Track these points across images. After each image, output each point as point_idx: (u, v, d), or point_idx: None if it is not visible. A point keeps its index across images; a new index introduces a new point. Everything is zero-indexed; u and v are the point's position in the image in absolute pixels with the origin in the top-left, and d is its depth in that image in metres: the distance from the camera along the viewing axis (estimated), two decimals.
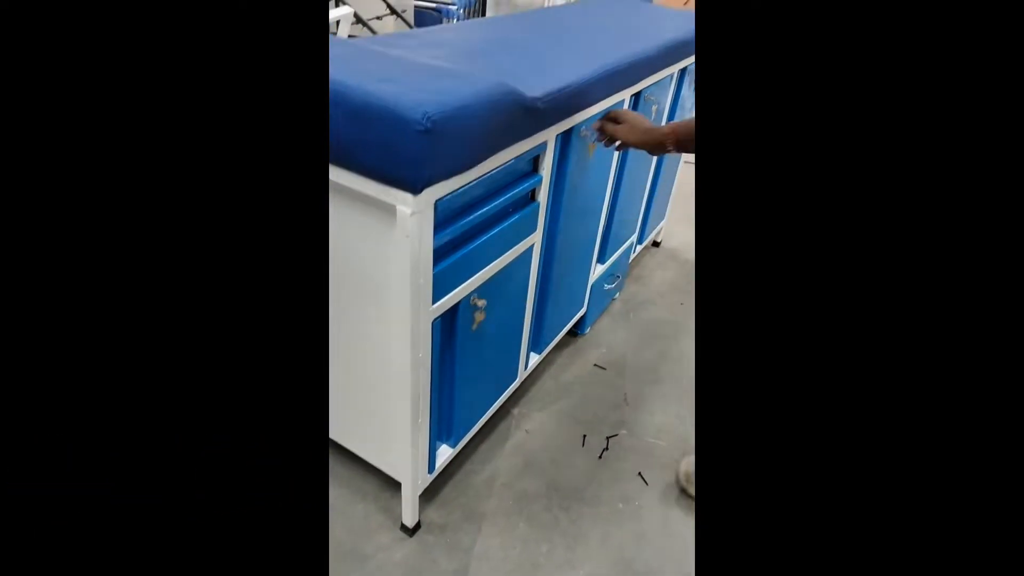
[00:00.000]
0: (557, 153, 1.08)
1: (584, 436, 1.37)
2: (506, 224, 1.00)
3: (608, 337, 1.71)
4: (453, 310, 0.95)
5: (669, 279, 2.01)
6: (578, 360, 1.61)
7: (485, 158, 0.85)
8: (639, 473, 1.29)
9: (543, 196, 1.09)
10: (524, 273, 1.15)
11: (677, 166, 1.98)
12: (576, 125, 1.09)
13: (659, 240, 2.19)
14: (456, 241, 0.89)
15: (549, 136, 1.01)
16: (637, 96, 1.34)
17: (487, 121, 0.80)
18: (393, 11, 3.29)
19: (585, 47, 1.24)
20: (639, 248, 1.94)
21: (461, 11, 4.62)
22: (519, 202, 1.04)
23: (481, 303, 0.98)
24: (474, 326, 1.01)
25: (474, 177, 0.86)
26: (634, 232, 1.79)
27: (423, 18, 4.47)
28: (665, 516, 1.21)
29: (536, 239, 1.13)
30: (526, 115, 0.89)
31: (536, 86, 0.93)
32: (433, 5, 4.47)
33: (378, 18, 3.31)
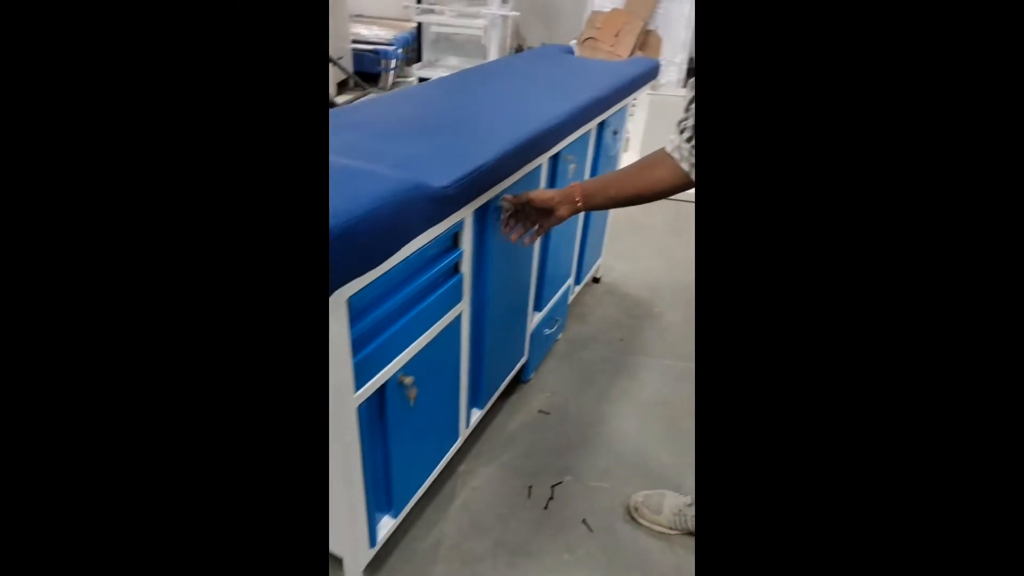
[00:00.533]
0: (476, 226, 1.13)
1: (530, 487, 1.40)
2: (429, 301, 1.03)
3: (552, 380, 1.75)
4: (380, 391, 0.97)
5: (609, 315, 2.08)
6: (523, 407, 1.65)
7: (397, 250, 0.89)
8: (583, 520, 1.33)
9: (466, 267, 1.13)
10: (454, 341, 1.18)
11: None
12: (495, 197, 1.14)
13: (598, 276, 2.27)
14: (375, 329, 0.92)
15: (466, 214, 1.06)
16: (555, 158, 1.40)
17: (394, 220, 0.84)
18: (331, 60, 3.33)
19: (502, 117, 1.30)
20: (577, 288, 2.00)
21: (400, 50, 4.70)
22: (441, 277, 1.08)
23: (409, 380, 1.01)
24: (409, 401, 1.04)
25: (388, 267, 0.89)
26: (570, 275, 1.85)
27: (362, 60, 4.53)
28: (608, 563, 1.25)
29: (463, 307, 1.17)
30: (437, 204, 0.93)
31: (446, 171, 0.98)
32: (371, 48, 4.52)
33: None
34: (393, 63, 4.60)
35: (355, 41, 4.54)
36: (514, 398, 1.67)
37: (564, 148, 1.42)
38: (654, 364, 1.85)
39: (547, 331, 1.74)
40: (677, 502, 1.32)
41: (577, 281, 1.97)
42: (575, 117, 1.41)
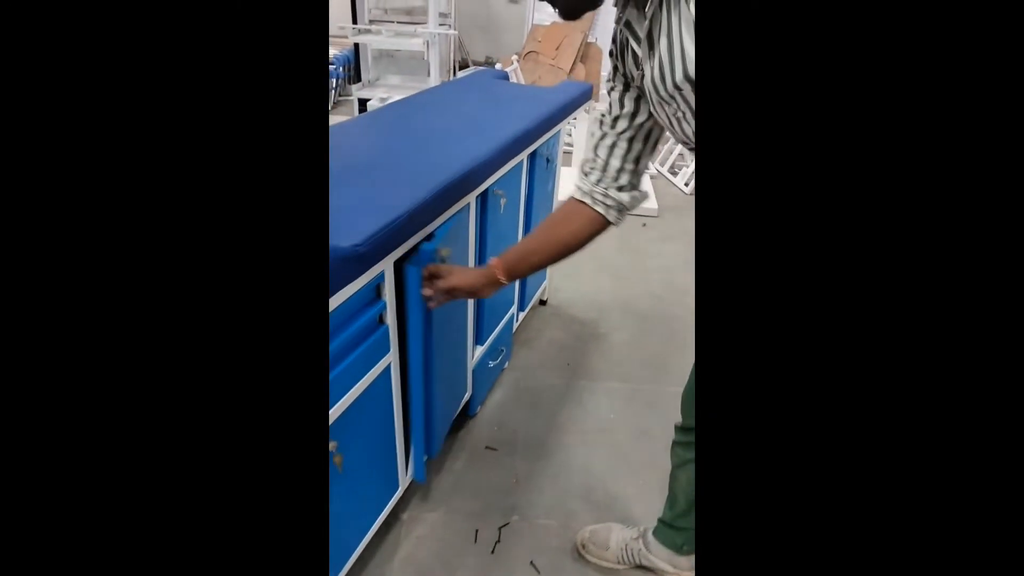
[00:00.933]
0: (399, 275, 1.10)
1: (476, 531, 1.37)
2: (351, 359, 1.00)
3: (498, 413, 1.73)
4: None
5: (556, 339, 2.07)
6: (469, 444, 1.62)
7: None
8: (531, 562, 1.31)
9: (391, 317, 1.10)
10: (384, 393, 1.15)
11: None
12: (420, 242, 1.11)
13: (545, 299, 2.26)
14: None
15: (386, 265, 1.03)
16: (484, 195, 1.39)
17: None
18: None
19: (428, 156, 1.28)
20: (522, 315, 1.99)
21: (340, 69, 4.61)
22: (364, 332, 1.04)
23: (333, 445, 0.97)
24: (336, 468, 0.99)
25: None
26: (512, 303, 1.84)
27: None
28: None
29: (391, 358, 1.13)
30: (350, 263, 0.90)
31: (361, 226, 0.94)
32: None
33: None
34: (334, 83, 4.51)
35: None
36: (461, 434, 1.64)
37: (494, 183, 1.40)
38: (599, 388, 1.86)
39: (491, 363, 1.72)
40: (624, 536, 1.31)
41: (521, 307, 1.96)
42: (504, 150, 1.40)
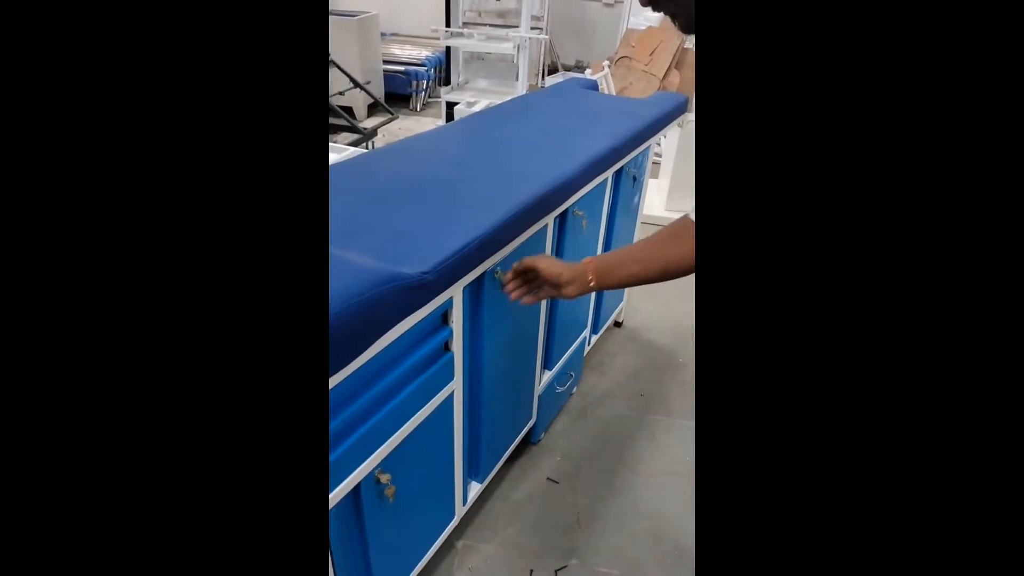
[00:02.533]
0: (468, 302, 1.04)
1: (531, 572, 1.30)
2: (414, 387, 0.95)
3: (563, 442, 1.64)
4: (354, 492, 0.89)
5: (630, 366, 1.96)
6: (531, 472, 1.55)
7: (373, 343, 0.81)
8: None
9: (457, 344, 1.05)
10: (446, 421, 1.10)
11: (631, 241, 1.94)
12: (488, 270, 1.05)
13: (620, 320, 2.15)
14: (348, 426, 0.84)
15: (455, 292, 0.97)
16: (563, 216, 1.31)
17: (365, 317, 0.76)
18: (356, 84, 3.31)
19: (506, 175, 1.21)
20: (595, 338, 1.89)
21: (432, 71, 4.68)
22: (429, 359, 0.99)
23: (386, 478, 0.93)
24: (387, 499, 0.95)
25: (364, 360, 0.81)
26: (585, 326, 1.74)
27: (393, 81, 4.52)
28: None
29: (455, 386, 1.08)
30: (416, 292, 0.85)
31: (429, 252, 0.89)
32: (402, 69, 4.52)
33: (340, 93, 3.33)
34: (424, 84, 4.58)
35: (387, 61, 4.55)
36: (522, 461, 1.57)
37: (574, 203, 1.32)
38: (675, 425, 1.72)
39: (559, 388, 1.64)
40: None
41: (595, 330, 1.86)
42: (589, 168, 1.31)
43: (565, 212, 1.30)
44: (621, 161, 1.52)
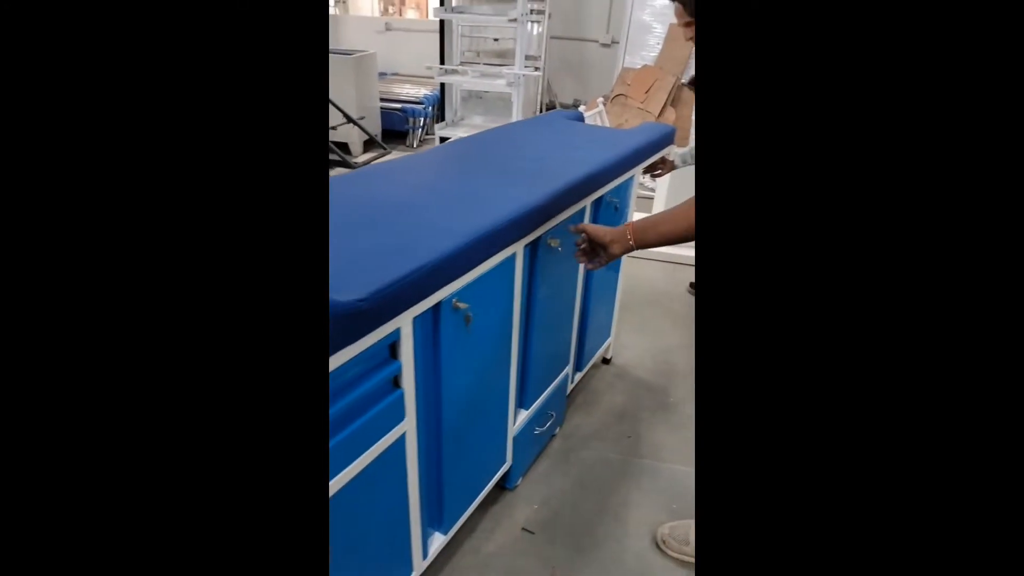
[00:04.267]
0: (420, 333, 0.96)
1: None
2: (355, 427, 0.86)
3: (542, 489, 1.53)
4: None
5: (617, 406, 1.85)
6: (505, 521, 1.43)
7: None
8: None
9: (408, 382, 0.96)
10: (397, 466, 1.00)
11: (616, 276, 1.86)
12: (445, 299, 0.97)
13: (609, 357, 2.05)
14: None
15: (402, 322, 0.89)
16: (535, 244, 1.23)
17: None
18: (349, 119, 3.32)
19: (476, 198, 1.15)
20: (579, 376, 1.79)
21: (429, 108, 4.71)
22: (373, 396, 0.90)
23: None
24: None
25: None
26: (567, 363, 1.65)
27: (390, 119, 4.56)
28: None
29: (407, 427, 0.99)
30: (347, 321, 0.77)
31: (372, 276, 0.82)
32: (399, 106, 4.56)
33: (333, 128, 3.33)
34: (421, 121, 4.61)
35: (385, 99, 4.60)
36: (496, 509, 1.46)
37: (548, 231, 1.25)
38: (663, 471, 1.61)
39: (537, 430, 1.53)
40: None
41: (579, 367, 1.77)
42: (560, 198, 1.24)
43: (538, 240, 1.23)
44: (600, 190, 1.45)
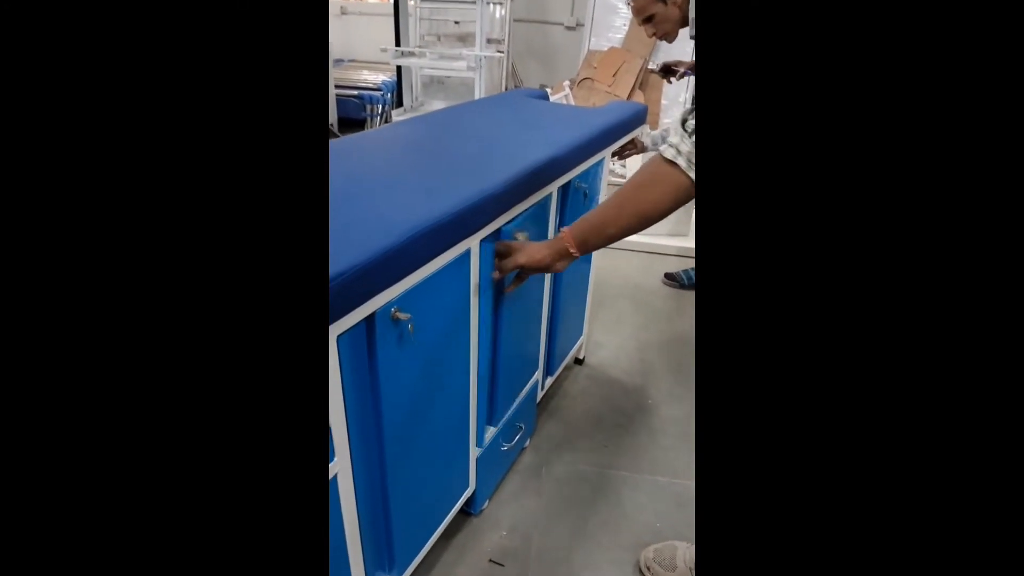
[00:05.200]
0: (350, 354, 0.78)
1: None
2: None
3: (511, 512, 1.36)
4: None
5: (592, 411, 1.70)
6: (470, 553, 1.26)
7: None
8: None
9: (335, 417, 0.78)
10: (331, 511, 0.82)
11: (588, 269, 1.70)
12: (380, 309, 0.79)
13: (582, 357, 1.90)
14: None
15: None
16: (497, 238, 1.06)
17: None
18: None
19: (414, 190, 0.97)
20: (550, 380, 1.63)
21: (388, 95, 4.47)
22: None
23: None
24: None
25: None
26: (536, 369, 1.49)
27: (346, 106, 4.30)
28: None
29: (338, 467, 0.81)
30: None
31: None
32: (355, 93, 4.31)
33: None
34: (380, 108, 4.37)
35: (340, 86, 4.35)
36: (460, 539, 1.29)
37: (508, 222, 1.07)
38: (644, 483, 1.46)
39: (505, 446, 1.37)
40: (690, 554, 1.18)
41: (550, 371, 1.61)
42: (520, 184, 1.07)
43: (497, 233, 1.06)
44: (567, 174, 1.29)
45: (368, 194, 0.93)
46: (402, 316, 0.82)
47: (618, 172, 3.32)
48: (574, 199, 1.38)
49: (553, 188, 1.25)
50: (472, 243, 0.98)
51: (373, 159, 1.13)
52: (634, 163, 2.76)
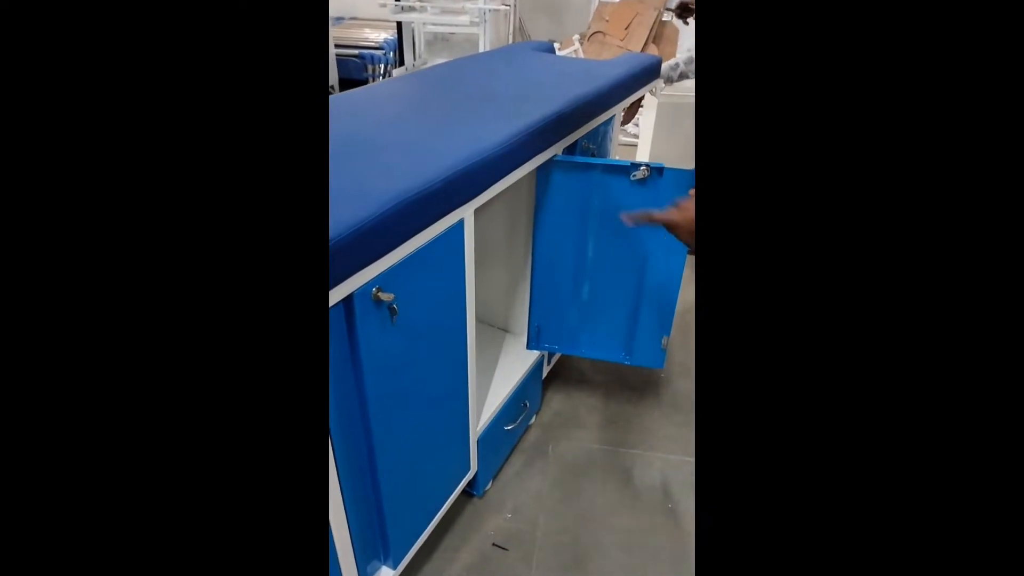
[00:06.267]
0: (331, 333, 0.69)
1: None
2: None
3: (516, 493, 1.31)
4: None
5: (602, 384, 1.62)
6: (472, 536, 1.21)
7: None
8: None
9: None
10: None
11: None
12: (362, 288, 0.71)
13: None
14: None
15: None
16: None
17: None
18: None
19: (403, 151, 0.87)
20: (557, 355, 1.55)
21: (390, 53, 4.30)
22: None
23: None
24: None
25: None
26: None
27: (346, 67, 4.14)
28: None
29: None
30: None
31: None
32: (356, 53, 4.14)
33: None
34: (382, 68, 4.20)
35: (341, 46, 4.17)
36: (462, 521, 1.24)
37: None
38: (656, 461, 1.39)
39: (508, 427, 1.30)
40: None
41: None
42: (519, 145, 0.97)
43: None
44: (573, 134, 1.17)
45: (346, 158, 0.83)
46: (385, 296, 0.74)
47: (631, 132, 3.16)
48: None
49: (557, 149, 1.14)
50: (466, 212, 0.88)
51: (355, 121, 1.03)
52: (647, 123, 2.61)
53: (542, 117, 1.03)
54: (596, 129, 1.29)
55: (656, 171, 1.09)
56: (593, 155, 1.32)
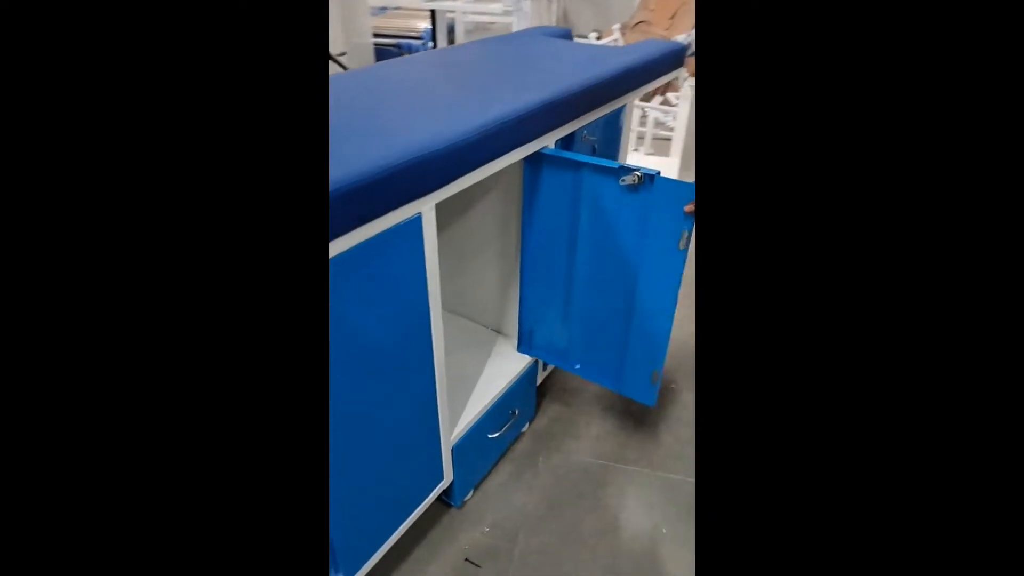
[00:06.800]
0: None
1: None
2: None
3: (497, 505, 1.23)
4: None
5: (603, 395, 1.52)
6: (445, 550, 1.14)
7: None
8: None
9: None
10: None
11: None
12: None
13: None
14: None
15: None
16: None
17: None
18: (331, 57, 2.97)
19: (364, 135, 0.80)
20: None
21: (430, 44, 4.27)
22: None
23: None
24: None
25: None
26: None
27: (386, 55, 4.14)
28: None
29: None
30: None
31: None
32: (394, 42, 4.13)
33: None
34: None
35: (379, 35, 4.17)
36: (435, 533, 1.17)
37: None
38: (655, 480, 1.29)
39: (492, 435, 1.22)
40: None
41: None
42: (494, 133, 0.88)
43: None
44: (571, 124, 1.08)
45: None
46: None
47: (668, 124, 3.01)
48: (580, 153, 1.17)
49: (549, 141, 1.05)
50: (423, 206, 0.81)
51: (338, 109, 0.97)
52: (684, 111, 2.46)
53: (526, 105, 0.94)
54: (600, 120, 1.19)
55: (648, 178, 0.98)
56: (595, 148, 1.22)
